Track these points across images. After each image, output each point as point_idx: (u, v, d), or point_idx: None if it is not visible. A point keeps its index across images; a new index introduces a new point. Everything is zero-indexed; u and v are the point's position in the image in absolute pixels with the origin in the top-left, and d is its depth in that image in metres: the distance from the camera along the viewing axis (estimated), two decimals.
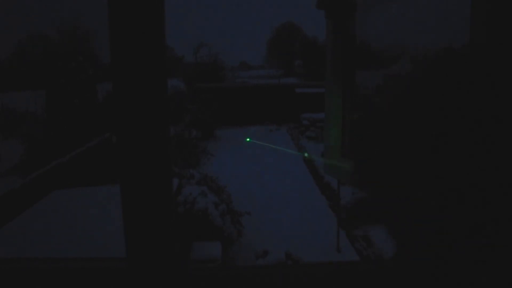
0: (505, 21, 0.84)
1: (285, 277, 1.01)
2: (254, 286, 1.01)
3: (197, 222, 6.18)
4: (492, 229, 0.31)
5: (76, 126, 11.42)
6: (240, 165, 11.90)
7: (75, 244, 4.72)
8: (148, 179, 0.89)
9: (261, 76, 36.17)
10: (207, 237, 6.12)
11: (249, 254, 6.43)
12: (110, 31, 0.85)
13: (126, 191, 0.90)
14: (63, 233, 5.09)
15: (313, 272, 1.02)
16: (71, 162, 8.99)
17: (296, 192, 9.44)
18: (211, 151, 12.82)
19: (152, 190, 0.90)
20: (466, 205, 0.32)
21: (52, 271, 1.01)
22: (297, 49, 36.02)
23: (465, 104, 0.33)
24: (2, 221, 5.81)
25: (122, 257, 0.97)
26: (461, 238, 0.32)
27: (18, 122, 14.41)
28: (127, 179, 0.89)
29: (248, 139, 15.35)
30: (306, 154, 12.60)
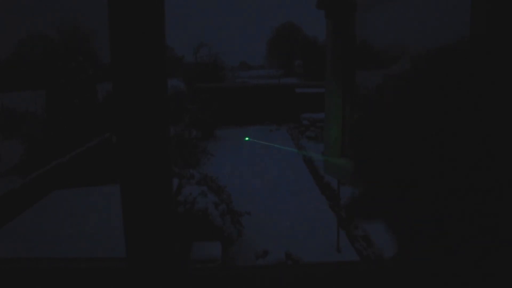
0: (505, 21, 0.84)
1: (285, 277, 1.01)
2: (254, 286, 1.01)
3: (197, 222, 6.18)
4: (493, 229, 0.32)
5: (76, 126, 11.42)
6: (240, 165, 11.90)
7: (75, 244, 4.72)
8: (148, 179, 0.89)
9: (261, 76, 36.18)
10: (207, 237, 6.12)
11: (249, 254, 6.43)
12: (110, 31, 0.85)
13: (126, 191, 0.90)
14: (63, 233, 5.09)
15: (313, 272, 1.02)
16: (71, 162, 8.98)
17: (296, 192, 9.44)
18: (211, 151, 12.82)
19: (152, 190, 0.90)
20: (467, 205, 0.32)
21: (52, 271, 1.01)
22: (297, 49, 36.03)
23: (465, 102, 0.33)
24: (2, 221, 5.81)
25: (122, 257, 0.97)
26: (461, 238, 0.32)
27: (18, 122, 14.42)
28: (127, 179, 0.89)
29: (247, 138, 15.35)
30: (305, 153, 12.59)
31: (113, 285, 0.99)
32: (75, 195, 6.95)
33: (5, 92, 18.86)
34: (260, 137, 15.58)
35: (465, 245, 0.37)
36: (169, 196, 0.92)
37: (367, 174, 0.44)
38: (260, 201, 8.68)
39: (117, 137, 0.90)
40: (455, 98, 0.37)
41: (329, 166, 1.49)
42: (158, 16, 0.85)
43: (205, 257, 5.66)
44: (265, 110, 19.44)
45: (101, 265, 1.02)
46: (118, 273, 0.98)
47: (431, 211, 0.38)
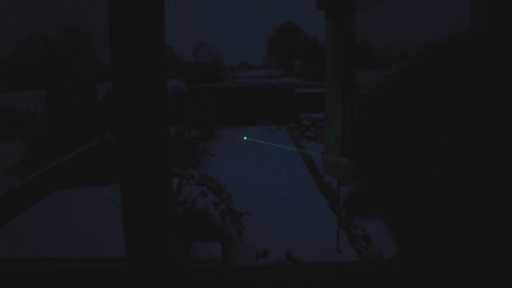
0: (506, 21, 0.84)
1: (285, 277, 1.01)
2: (254, 286, 1.01)
3: (197, 222, 6.18)
4: (493, 228, 0.31)
5: (76, 126, 11.42)
6: (240, 165, 11.90)
7: (75, 244, 4.72)
8: (148, 179, 0.89)
9: (261, 76, 36.15)
10: (207, 237, 6.12)
11: (249, 254, 6.43)
12: (110, 31, 0.85)
13: (126, 191, 0.90)
14: (63, 233, 5.09)
15: (313, 272, 1.02)
16: (71, 162, 8.99)
17: (296, 192, 9.44)
18: (211, 151, 12.82)
19: (152, 190, 0.90)
20: (467, 204, 0.32)
21: (52, 271, 1.01)
22: (297, 49, 36.03)
23: (465, 101, 0.33)
24: (2, 221, 5.81)
25: (122, 257, 0.97)
26: (461, 238, 0.32)
27: (18, 122, 14.41)
28: (127, 179, 0.89)
29: (245, 138, 15.33)
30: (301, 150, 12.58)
31: (113, 285, 0.99)
32: (75, 195, 6.96)
33: (5, 92, 18.86)
34: (260, 137, 15.58)
35: (465, 245, 0.37)
36: (169, 196, 0.92)
37: (367, 174, 0.44)
38: (260, 201, 8.68)
39: (117, 137, 0.90)
40: (455, 98, 0.37)
41: (329, 166, 1.49)
42: (158, 16, 0.85)
43: (205, 257, 5.67)
44: (265, 110, 19.44)
45: (101, 265, 1.02)
46: (118, 273, 0.98)
47: (431, 211, 0.38)
